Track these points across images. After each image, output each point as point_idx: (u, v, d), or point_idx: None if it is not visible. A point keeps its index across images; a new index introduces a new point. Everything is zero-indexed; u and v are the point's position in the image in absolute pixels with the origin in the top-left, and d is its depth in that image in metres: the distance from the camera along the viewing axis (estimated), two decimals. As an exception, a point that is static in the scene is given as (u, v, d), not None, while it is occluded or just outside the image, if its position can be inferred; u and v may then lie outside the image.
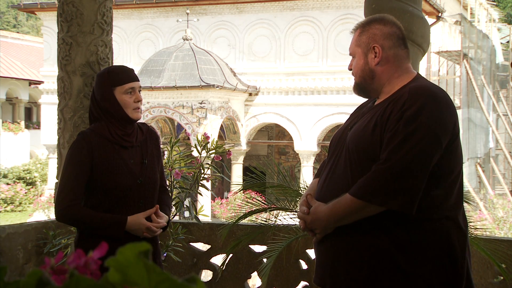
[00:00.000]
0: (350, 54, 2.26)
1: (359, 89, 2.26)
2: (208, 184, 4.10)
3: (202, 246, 4.47)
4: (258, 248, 4.34)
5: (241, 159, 17.55)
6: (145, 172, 2.69)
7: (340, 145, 2.20)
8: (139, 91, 2.73)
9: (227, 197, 16.57)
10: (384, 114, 2.07)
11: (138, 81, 2.74)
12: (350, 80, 16.67)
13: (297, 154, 17.79)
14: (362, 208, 1.99)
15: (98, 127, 2.68)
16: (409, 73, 2.20)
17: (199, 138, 4.00)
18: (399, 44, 2.20)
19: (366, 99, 2.35)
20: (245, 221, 4.21)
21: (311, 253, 4.05)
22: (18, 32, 38.98)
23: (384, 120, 2.05)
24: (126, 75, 2.69)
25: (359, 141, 2.09)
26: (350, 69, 2.28)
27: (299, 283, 4.21)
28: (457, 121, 2.08)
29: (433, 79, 17.55)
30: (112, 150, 2.65)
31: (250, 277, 4.35)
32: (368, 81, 2.20)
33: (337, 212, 2.05)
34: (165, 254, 4.03)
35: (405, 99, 2.03)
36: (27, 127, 27.02)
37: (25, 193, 21.47)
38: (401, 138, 1.97)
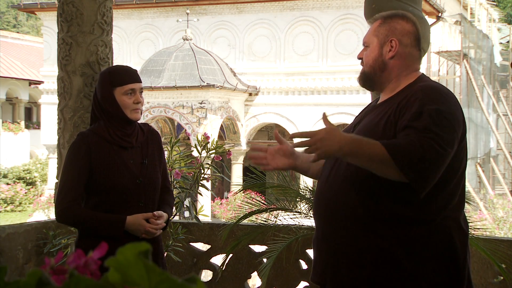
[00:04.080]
0: (364, 43, 2.25)
1: (365, 79, 2.24)
2: (208, 184, 4.10)
3: (202, 246, 4.47)
4: (258, 248, 4.33)
5: (241, 159, 17.55)
6: (145, 172, 2.69)
7: None
8: (141, 92, 2.71)
9: (227, 197, 16.57)
10: (395, 113, 2.04)
11: (140, 82, 2.72)
12: (350, 80, 16.84)
13: (297, 154, 17.76)
14: (383, 162, 1.89)
15: (97, 128, 2.68)
16: (416, 72, 2.21)
17: (199, 138, 4.00)
18: (415, 44, 2.21)
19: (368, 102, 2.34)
20: (245, 221, 4.21)
21: (311, 253, 4.04)
22: (18, 32, 38.98)
23: (396, 118, 2.03)
24: (127, 76, 2.68)
25: (369, 137, 2.07)
26: (359, 58, 2.25)
27: (299, 283, 4.21)
28: (464, 122, 2.08)
29: (433, 79, 17.51)
30: (111, 150, 2.65)
31: (250, 277, 4.35)
32: (377, 72, 2.19)
33: (361, 148, 1.91)
34: (164, 254, 4.03)
35: (421, 97, 2.01)
36: (27, 127, 27.02)
37: (25, 193, 21.48)
38: (429, 126, 1.93)
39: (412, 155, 1.88)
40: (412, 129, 1.93)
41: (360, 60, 2.26)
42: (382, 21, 2.22)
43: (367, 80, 2.24)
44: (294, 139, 2.02)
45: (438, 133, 1.92)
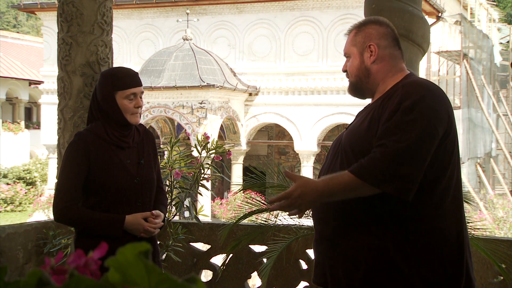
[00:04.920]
0: (345, 55, 2.30)
1: (354, 89, 2.28)
2: (208, 184, 4.10)
3: (202, 246, 4.47)
4: (258, 248, 4.34)
5: (241, 159, 17.55)
6: (142, 172, 2.71)
7: (337, 146, 2.21)
8: (141, 95, 2.73)
9: (227, 197, 16.57)
10: (378, 109, 2.09)
11: (141, 85, 2.73)
12: (350, 80, 16.74)
13: (297, 154, 17.79)
14: (358, 187, 1.98)
15: (95, 128, 2.69)
16: (402, 71, 2.22)
17: (199, 138, 4.00)
18: (393, 44, 2.24)
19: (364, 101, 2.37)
20: (245, 221, 4.21)
21: (311, 253, 4.05)
22: (18, 32, 38.98)
23: (379, 115, 2.06)
24: (129, 80, 2.68)
25: (354, 139, 2.11)
26: (344, 71, 2.31)
27: (299, 283, 4.21)
28: (451, 116, 2.08)
29: (433, 79, 17.55)
30: (109, 150, 2.66)
31: (250, 277, 4.35)
32: (363, 80, 2.22)
33: (333, 186, 2.02)
34: (165, 254, 4.03)
35: (400, 94, 2.05)
36: (27, 127, 27.02)
37: (25, 193, 21.48)
38: (399, 125, 1.98)
39: (379, 170, 1.95)
40: (381, 141, 1.99)
41: (345, 73, 2.30)
42: (356, 30, 2.27)
43: (356, 89, 2.28)
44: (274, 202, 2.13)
45: (402, 137, 1.95)
